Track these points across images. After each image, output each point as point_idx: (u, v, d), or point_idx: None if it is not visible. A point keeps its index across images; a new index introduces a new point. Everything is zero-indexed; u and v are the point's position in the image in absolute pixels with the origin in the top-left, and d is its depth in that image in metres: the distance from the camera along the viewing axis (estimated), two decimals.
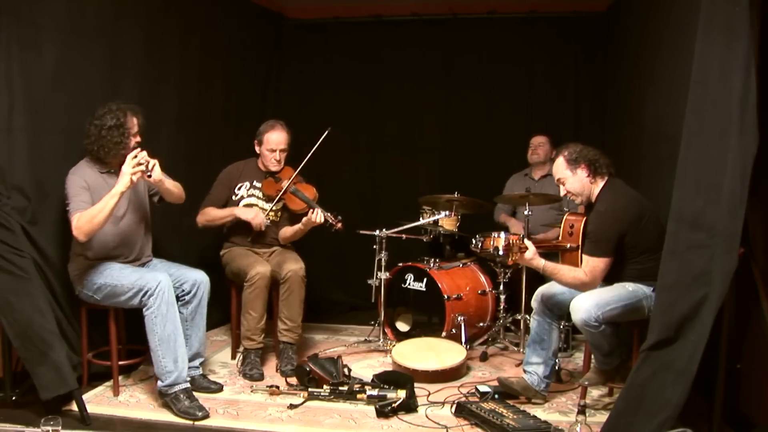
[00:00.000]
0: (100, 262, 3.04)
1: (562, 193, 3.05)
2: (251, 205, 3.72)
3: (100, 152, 2.99)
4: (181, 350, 2.95)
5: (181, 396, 2.90)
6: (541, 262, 2.88)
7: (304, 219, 3.51)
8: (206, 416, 2.87)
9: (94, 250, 3.03)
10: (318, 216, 3.43)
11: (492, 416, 2.76)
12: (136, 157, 2.88)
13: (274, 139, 3.65)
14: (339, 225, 3.46)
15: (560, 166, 3.01)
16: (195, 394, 3.08)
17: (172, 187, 3.17)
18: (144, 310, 2.93)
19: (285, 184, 3.63)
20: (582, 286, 2.85)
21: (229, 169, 3.80)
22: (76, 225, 2.85)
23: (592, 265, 2.82)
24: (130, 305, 2.98)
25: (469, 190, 4.16)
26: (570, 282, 2.87)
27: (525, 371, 3.12)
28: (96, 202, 2.90)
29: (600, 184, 2.96)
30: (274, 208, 3.71)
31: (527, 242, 2.88)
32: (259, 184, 3.73)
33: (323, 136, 3.56)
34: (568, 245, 3.02)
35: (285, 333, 3.55)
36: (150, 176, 2.94)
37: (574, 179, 2.97)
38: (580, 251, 2.95)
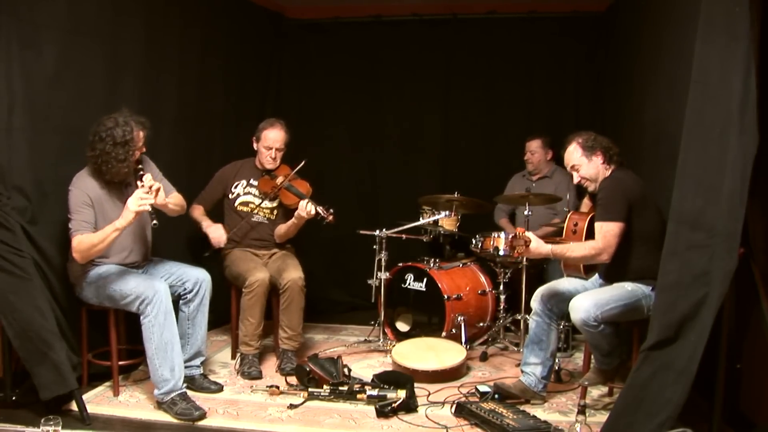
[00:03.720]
0: (99, 265, 3.04)
1: (576, 180, 3.04)
2: (247, 203, 3.75)
3: (102, 167, 2.94)
4: (178, 359, 2.95)
5: (177, 399, 2.90)
6: (547, 248, 2.86)
7: (296, 212, 3.53)
8: (203, 415, 2.87)
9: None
10: (309, 206, 3.46)
11: (492, 416, 2.76)
12: (142, 188, 2.88)
13: (272, 137, 3.67)
14: (330, 217, 3.50)
15: (574, 153, 3.01)
16: (196, 394, 3.10)
17: (174, 207, 3.19)
18: (141, 317, 2.92)
19: (280, 180, 3.65)
20: (596, 255, 2.82)
21: (225, 168, 3.84)
22: (76, 248, 2.88)
23: (606, 230, 2.80)
24: (128, 310, 2.99)
25: (469, 190, 4.17)
26: (583, 254, 2.85)
27: (522, 372, 3.12)
28: (97, 215, 2.93)
29: (610, 170, 2.98)
30: (269, 205, 3.73)
31: (528, 233, 2.87)
32: (255, 182, 3.76)
33: (298, 167, 3.60)
34: (571, 243, 3.02)
35: (285, 341, 3.56)
36: (151, 209, 2.90)
37: (589, 165, 2.98)
38: None
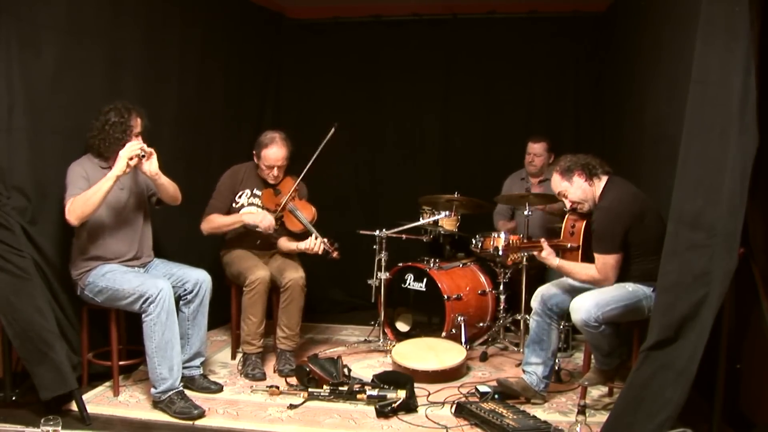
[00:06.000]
0: (101, 264, 3.04)
1: (568, 206, 3.06)
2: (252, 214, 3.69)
3: (101, 146, 3.03)
4: (177, 358, 2.96)
5: (175, 398, 2.90)
6: (555, 261, 2.97)
7: (303, 245, 3.52)
8: (202, 414, 2.87)
9: (95, 244, 3.04)
10: (316, 246, 3.47)
11: (492, 416, 2.76)
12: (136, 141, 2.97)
13: (272, 156, 3.57)
14: (335, 253, 3.51)
15: (557, 181, 3.05)
16: (196, 394, 3.10)
17: (168, 184, 3.16)
18: (143, 316, 2.93)
19: (284, 199, 3.61)
20: (596, 283, 2.89)
21: (230, 174, 3.72)
22: (70, 208, 2.88)
23: (603, 261, 2.84)
24: (131, 310, 2.99)
25: (468, 190, 4.17)
26: (585, 279, 2.92)
27: (524, 371, 3.13)
28: None
29: (600, 184, 2.97)
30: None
31: (542, 241, 2.95)
32: (259, 193, 3.70)
33: (330, 133, 3.52)
34: (569, 245, 3.03)
35: (283, 340, 3.55)
36: (144, 156, 2.96)
37: (573, 188, 2.99)
38: (580, 251, 2.97)
